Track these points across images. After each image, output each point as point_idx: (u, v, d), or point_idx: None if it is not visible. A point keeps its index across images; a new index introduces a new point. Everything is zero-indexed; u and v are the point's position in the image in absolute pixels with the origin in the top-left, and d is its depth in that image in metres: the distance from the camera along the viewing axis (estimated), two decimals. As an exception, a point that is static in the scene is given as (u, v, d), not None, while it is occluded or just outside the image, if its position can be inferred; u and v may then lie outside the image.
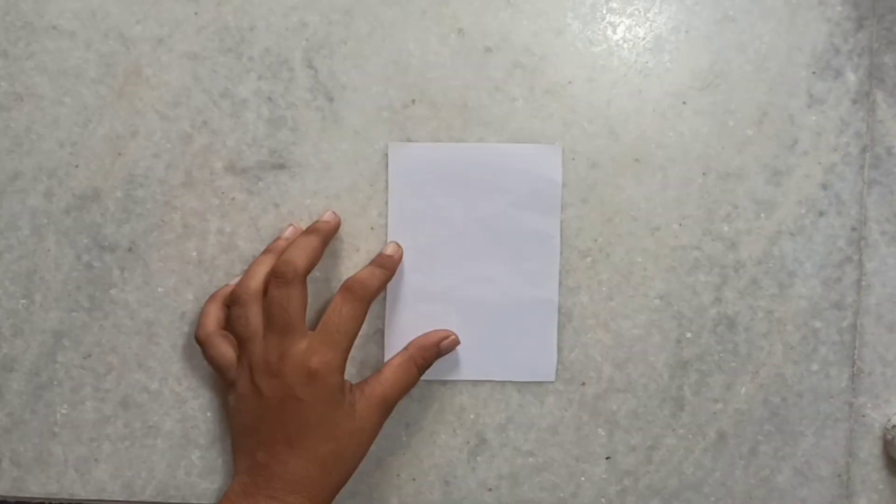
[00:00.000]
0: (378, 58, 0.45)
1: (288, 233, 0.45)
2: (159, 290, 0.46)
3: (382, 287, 0.43)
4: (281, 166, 0.45)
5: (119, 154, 0.46)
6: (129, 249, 0.46)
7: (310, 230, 0.44)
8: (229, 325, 0.43)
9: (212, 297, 0.45)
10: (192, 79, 0.45)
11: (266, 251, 0.44)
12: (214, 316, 0.44)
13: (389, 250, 0.44)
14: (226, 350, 0.43)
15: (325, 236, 0.43)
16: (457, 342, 0.45)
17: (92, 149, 0.46)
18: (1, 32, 0.46)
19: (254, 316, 0.41)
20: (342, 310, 0.41)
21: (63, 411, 0.46)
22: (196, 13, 0.45)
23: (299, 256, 0.41)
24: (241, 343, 0.42)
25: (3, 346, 0.46)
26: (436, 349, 0.44)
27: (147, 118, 0.45)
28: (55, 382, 0.46)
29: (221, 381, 0.44)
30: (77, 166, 0.46)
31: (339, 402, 0.40)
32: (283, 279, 0.40)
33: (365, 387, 0.42)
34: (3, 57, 0.46)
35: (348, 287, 0.41)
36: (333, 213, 0.45)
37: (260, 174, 0.46)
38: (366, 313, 0.42)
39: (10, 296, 0.46)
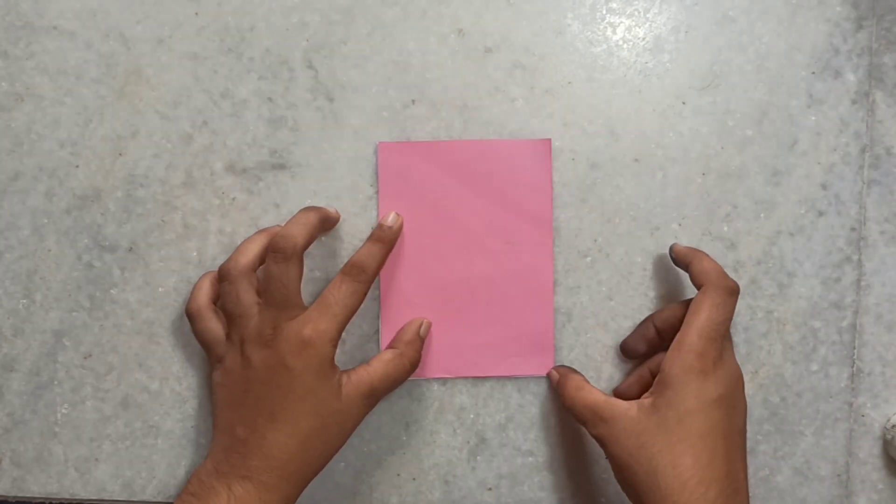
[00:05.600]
0: (378, 58, 0.45)
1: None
2: (160, 290, 0.46)
3: (383, 263, 0.43)
4: (281, 166, 0.46)
5: (119, 154, 0.46)
6: (130, 249, 0.46)
7: (308, 208, 0.43)
8: (220, 301, 0.42)
9: (205, 274, 0.44)
10: (193, 79, 0.45)
11: (260, 231, 0.44)
12: (206, 291, 0.43)
13: (389, 220, 0.44)
14: (215, 325, 0.42)
15: (324, 218, 0.43)
16: (430, 323, 0.45)
17: (92, 149, 0.46)
18: (1, 32, 0.46)
19: (244, 292, 0.41)
20: (342, 286, 0.40)
21: (63, 411, 0.46)
22: (196, 13, 0.45)
23: (298, 233, 0.40)
24: (232, 319, 0.41)
25: (3, 346, 0.46)
26: (419, 339, 0.44)
27: (147, 118, 0.45)
28: (55, 382, 0.46)
29: (208, 357, 0.43)
30: (77, 166, 0.46)
31: (327, 375, 0.40)
32: (282, 255, 0.40)
33: (353, 374, 0.41)
34: (4, 57, 0.46)
35: (347, 271, 0.41)
36: (336, 210, 0.45)
37: (260, 174, 0.46)
38: (366, 292, 0.41)
39: (11, 296, 0.46)
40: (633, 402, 0.39)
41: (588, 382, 0.43)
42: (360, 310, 0.45)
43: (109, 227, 0.46)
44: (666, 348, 0.40)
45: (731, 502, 0.37)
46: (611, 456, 0.39)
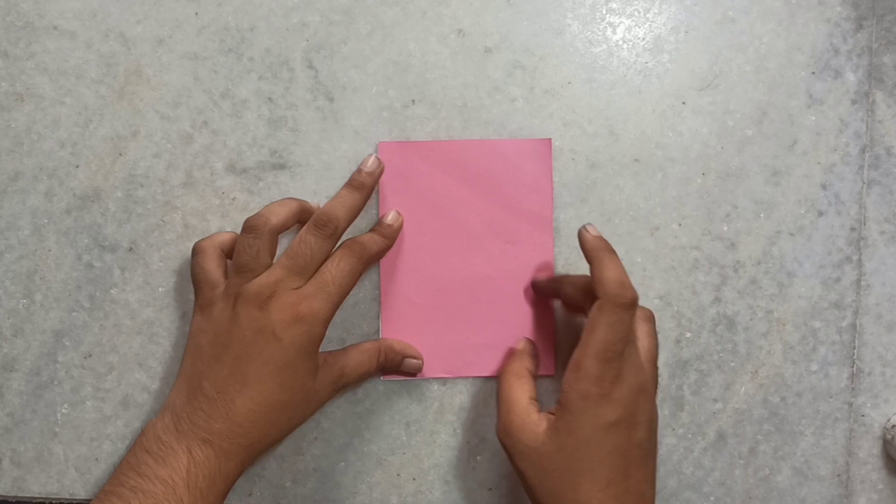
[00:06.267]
0: (378, 58, 0.45)
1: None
2: (160, 289, 0.46)
3: (381, 254, 0.43)
4: (281, 166, 0.46)
5: (119, 154, 0.46)
6: (130, 249, 0.46)
7: (354, 185, 0.43)
8: (235, 249, 0.41)
9: (226, 232, 0.44)
10: (193, 79, 0.45)
11: (290, 199, 0.43)
12: (224, 239, 0.43)
13: (389, 219, 0.44)
14: (216, 268, 0.42)
15: (368, 192, 0.43)
16: (419, 368, 0.45)
17: (92, 149, 0.46)
18: (1, 32, 0.46)
19: (265, 252, 0.40)
20: (340, 264, 0.40)
21: (63, 411, 0.46)
22: (196, 13, 0.45)
23: (342, 215, 0.41)
24: (240, 271, 0.40)
25: (3, 346, 0.46)
26: (400, 359, 0.44)
27: (147, 118, 0.46)
28: (56, 382, 0.46)
29: (196, 298, 0.42)
30: (77, 166, 0.46)
31: (310, 354, 0.40)
32: (324, 232, 0.40)
33: (329, 356, 0.42)
34: (4, 57, 0.46)
35: (348, 245, 0.41)
36: (376, 158, 0.44)
37: (260, 174, 0.46)
38: (361, 274, 0.41)
39: (11, 296, 0.46)
40: (543, 418, 0.39)
41: (532, 374, 0.43)
42: (360, 310, 0.46)
43: (109, 227, 0.46)
44: (571, 305, 0.43)
45: None
46: (516, 470, 0.39)
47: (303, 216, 0.43)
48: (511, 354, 0.44)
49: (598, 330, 0.37)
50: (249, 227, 0.41)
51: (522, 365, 0.43)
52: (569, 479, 0.37)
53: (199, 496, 0.37)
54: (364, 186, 0.43)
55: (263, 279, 0.39)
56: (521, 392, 0.41)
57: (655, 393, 0.40)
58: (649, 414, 0.39)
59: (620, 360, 0.37)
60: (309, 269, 0.40)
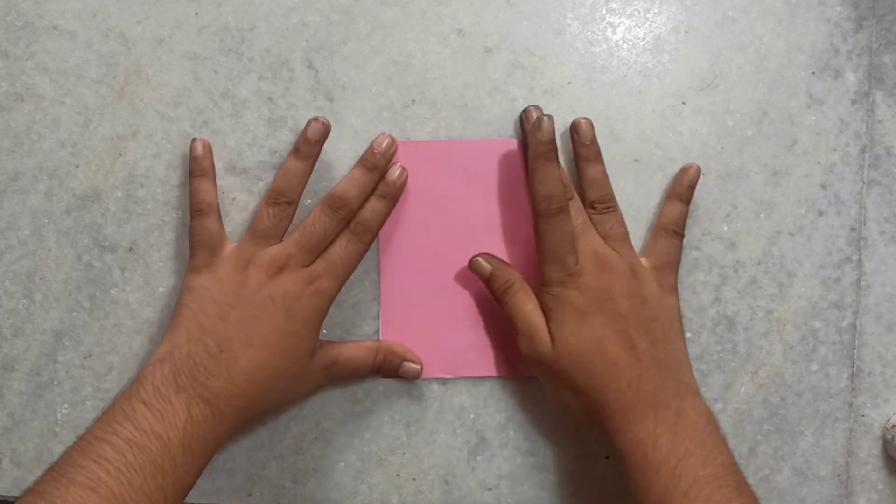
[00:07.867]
0: (378, 58, 0.45)
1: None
2: (160, 289, 0.46)
3: (386, 219, 0.44)
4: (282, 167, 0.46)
5: (120, 154, 0.46)
6: (130, 249, 0.46)
7: (367, 167, 0.43)
8: (259, 216, 0.42)
9: (201, 175, 0.43)
10: (193, 79, 0.45)
11: (301, 156, 0.43)
12: (215, 192, 0.44)
13: (394, 176, 0.44)
14: (219, 230, 0.43)
15: (382, 173, 0.44)
16: (418, 373, 0.45)
17: (92, 149, 0.46)
18: (1, 32, 0.46)
19: (286, 223, 0.42)
20: (347, 246, 0.42)
21: (63, 411, 0.46)
22: (196, 13, 0.45)
23: (356, 199, 0.42)
24: (257, 235, 0.42)
25: (3, 346, 0.46)
26: (398, 362, 0.44)
27: (147, 118, 0.46)
28: (56, 382, 0.46)
29: (194, 257, 0.42)
30: (77, 166, 0.46)
31: (314, 329, 0.41)
32: (338, 215, 0.42)
33: (325, 343, 0.43)
34: (4, 57, 0.46)
35: (354, 229, 0.42)
36: (391, 138, 0.44)
37: (260, 174, 0.46)
38: (365, 252, 0.43)
39: (11, 296, 0.46)
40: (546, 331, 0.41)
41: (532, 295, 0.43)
42: (360, 310, 0.46)
43: (109, 227, 0.46)
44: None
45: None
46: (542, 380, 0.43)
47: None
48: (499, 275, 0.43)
49: (541, 240, 0.41)
50: (277, 201, 0.42)
51: (516, 276, 0.43)
52: (583, 370, 0.40)
53: (190, 457, 0.37)
54: (377, 168, 0.43)
55: (277, 250, 0.41)
56: (528, 306, 0.42)
57: (639, 269, 0.42)
58: (626, 287, 0.41)
59: (573, 255, 0.40)
60: (319, 248, 0.42)
